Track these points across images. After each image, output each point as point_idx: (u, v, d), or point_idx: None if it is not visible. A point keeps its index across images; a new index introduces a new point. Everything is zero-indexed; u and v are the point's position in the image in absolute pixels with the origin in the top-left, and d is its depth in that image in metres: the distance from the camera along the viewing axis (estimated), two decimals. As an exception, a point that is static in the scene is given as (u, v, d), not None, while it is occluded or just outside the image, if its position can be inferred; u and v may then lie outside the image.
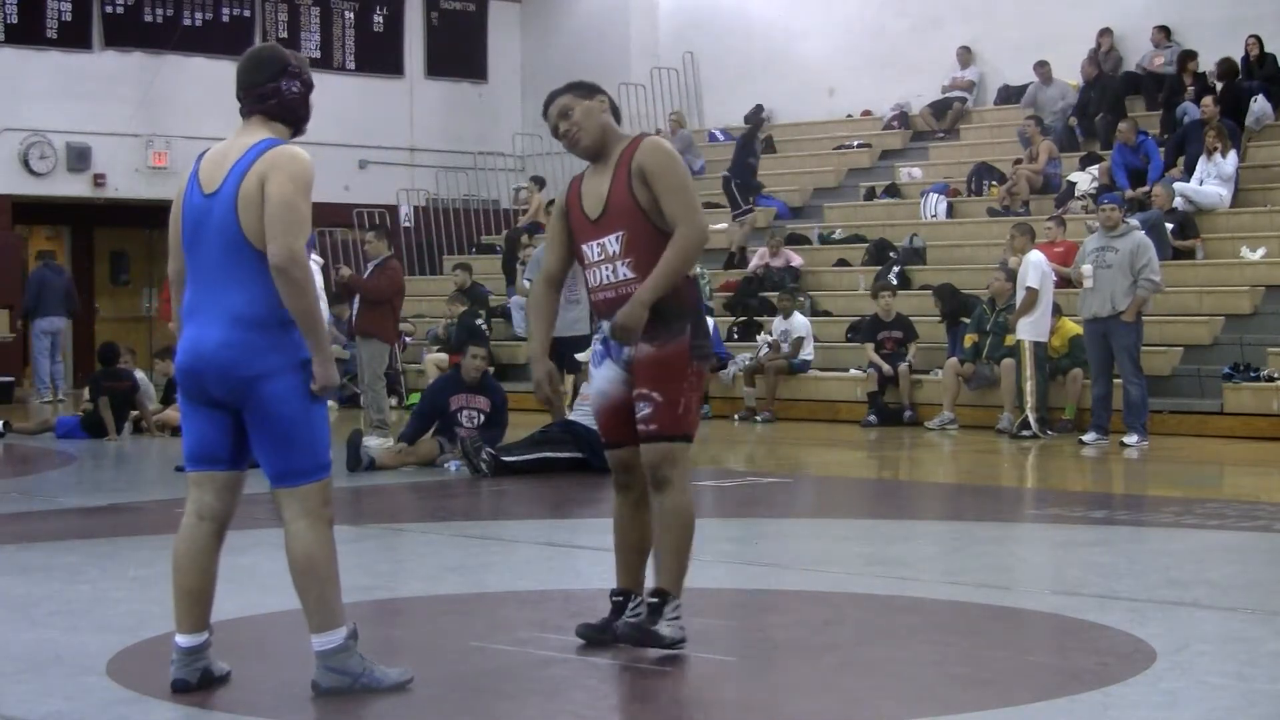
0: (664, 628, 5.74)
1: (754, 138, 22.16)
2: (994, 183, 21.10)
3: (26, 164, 23.61)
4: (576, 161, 6.04)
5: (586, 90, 5.95)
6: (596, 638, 5.86)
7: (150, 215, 23.79)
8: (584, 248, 5.90)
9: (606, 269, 5.83)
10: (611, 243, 5.79)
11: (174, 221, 5.36)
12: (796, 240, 21.49)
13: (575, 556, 8.48)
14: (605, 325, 5.89)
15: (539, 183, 24.27)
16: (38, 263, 22.55)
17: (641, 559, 5.98)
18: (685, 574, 5.83)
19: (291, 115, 5.36)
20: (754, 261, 20.86)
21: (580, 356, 12.22)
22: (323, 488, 5.24)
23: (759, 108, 24.21)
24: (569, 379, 14.43)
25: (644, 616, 5.78)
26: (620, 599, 5.93)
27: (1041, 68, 22.06)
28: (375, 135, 26.10)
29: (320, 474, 5.23)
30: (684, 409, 5.77)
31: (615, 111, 6.01)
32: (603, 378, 5.92)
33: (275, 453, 5.19)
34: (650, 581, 5.88)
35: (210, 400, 5.23)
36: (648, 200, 5.75)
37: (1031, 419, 15.19)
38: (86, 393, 16.88)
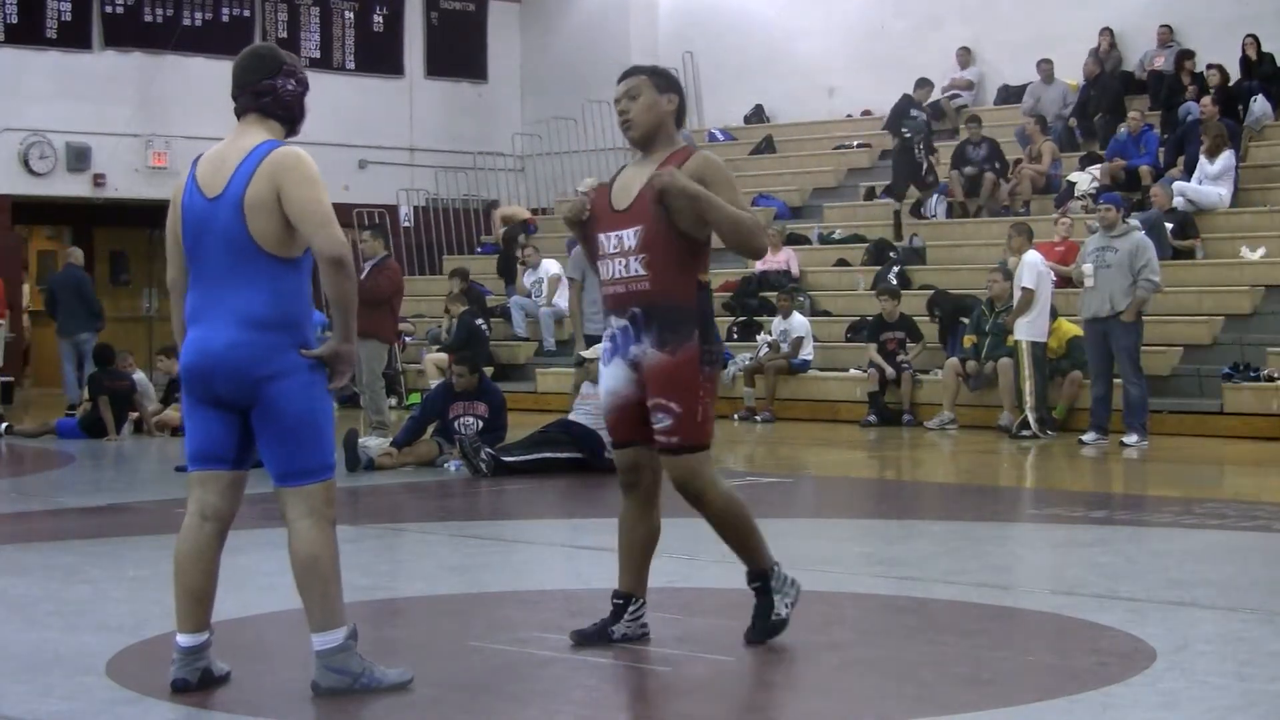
0: (781, 607, 5.93)
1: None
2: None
3: (26, 164, 23.58)
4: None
5: (663, 83, 5.89)
6: (591, 643, 5.81)
7: (150, 215, 23.73)
8: (600, 237, 5.85)
9: (620, 263, 5.78)
10: (629, 236, 5.74)
11: (172, 228, 5.36)
12: (796, 240, 21.49)
13: (575, 556, 8.47)
14: (614, 320, 5.84)
15: (493, 204, 24.54)
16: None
17: (645, 560, 5.95)
18: (762, 543, 5.99)
19: (287, 113, 5.36)
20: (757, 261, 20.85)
21: (588, 354, 12.17)
22: (327, 488, 5.24)
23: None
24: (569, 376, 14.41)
25: (761, 607, 5.93)
26: (621, 602, 5.91)
27: (1043, 66, 22.04)
28: (375, 135, 26.07)
29: (325, 474, 5.24)
30: (702, 417, 5.75)
31: (682, 113, 5.96)
32: (612, 376, 5.85)
33: (282, 452, 5.19)
34: (737, 574, 6.04)
35: (216, 400, 5.23)
36: (683, 207, 5.68)
37: (1031, 419, 15.18)
38: (86, 392, 16.90)
